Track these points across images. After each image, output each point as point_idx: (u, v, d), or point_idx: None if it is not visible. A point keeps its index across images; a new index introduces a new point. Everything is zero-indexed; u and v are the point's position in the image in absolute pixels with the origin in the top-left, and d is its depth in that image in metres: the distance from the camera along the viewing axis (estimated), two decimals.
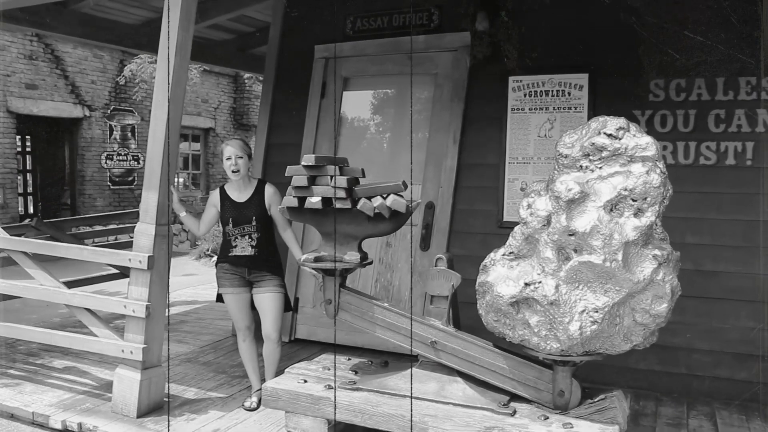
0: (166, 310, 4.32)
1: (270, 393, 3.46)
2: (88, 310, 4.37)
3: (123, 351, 4.14)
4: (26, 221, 6.23)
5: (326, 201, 3.40)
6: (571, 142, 3.11)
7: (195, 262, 11.01)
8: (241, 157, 4.16)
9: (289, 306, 4.41)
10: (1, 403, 4.32)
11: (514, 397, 3.27)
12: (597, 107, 4.97)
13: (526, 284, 3.00)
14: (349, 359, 3.92)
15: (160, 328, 4.23)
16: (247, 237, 4.18)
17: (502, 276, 3.11)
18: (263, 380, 4.40)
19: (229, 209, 4.22)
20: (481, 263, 3.26)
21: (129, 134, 12.44)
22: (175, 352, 5.52)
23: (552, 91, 5.11)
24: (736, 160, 4.66)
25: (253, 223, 4.17)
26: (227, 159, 4.18)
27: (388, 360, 3.88)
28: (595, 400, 3.18)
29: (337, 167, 3.43)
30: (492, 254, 3.24)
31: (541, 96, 5.13)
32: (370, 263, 3.53)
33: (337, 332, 5.70)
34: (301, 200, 3.43)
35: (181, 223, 4.32)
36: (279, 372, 4.42)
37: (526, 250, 3.10)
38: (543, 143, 5.12)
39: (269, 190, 4.27)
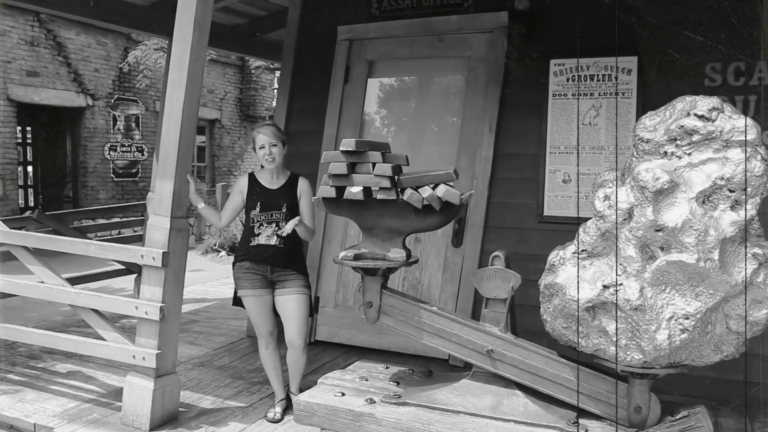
0: (181, 311, 3.94)
1: (303, 408, 3.07)
2: (95, 311, 3.98)
3: (134, 357, 3.75)
4: (27, 213, 5.83)
5: (367, 191, 3.01)
6: (653, 125, 2.72)
7: (201, 258, 10.61)
8: (275, 145, 3.80)
9: (312, 308, 4.01)
10: (0, 413, 3.93)
11: (581, 413, 2.89)
12: (647, 93, 4.58)
13: (605, 286, 2.61)
14: (387, 367, 3.54)
15: (175, 332, 3.84)
16: (274, 225, 3.78)
17: (574, 277, 2.72)
18: (287, 389, 4.02)
19: (257, 194, 3.84)
20: (548, 261, 2.88)
21: (133, 125, 12.04)
22: (187, 355, 5.14)
23: (597, 75, 4.71)
24: None
25: (284, 210, 3.79)
26: (260, 148, 3.80)
27: (431, 369, 3.50)
28: (677, 417, 2.79)
29: (380, 153, 3.05)
30: (559, 252, 2.86)
31: (585, 81, 4.73)
32: (416, 262, 3.15)
33: (360, 334, 5.33)
34: (339, 190, 3.04)
35: (196, 216, 3.91)
36: (304, 381, 4.05)
37: (602, 248, 2.72)
38: (587, 131, 4.72)
39: (303, 183, 3.92)
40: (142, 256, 3.74)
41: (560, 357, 2.92)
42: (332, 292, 5.47)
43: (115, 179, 11.67)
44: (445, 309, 5.14)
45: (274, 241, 3.77)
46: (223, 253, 10.33)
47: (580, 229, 2.85)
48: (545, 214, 4.80)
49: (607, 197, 2.67)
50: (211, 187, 13.96)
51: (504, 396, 2.95)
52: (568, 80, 4.77)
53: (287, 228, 3.59)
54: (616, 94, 4.66)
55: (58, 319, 6.21)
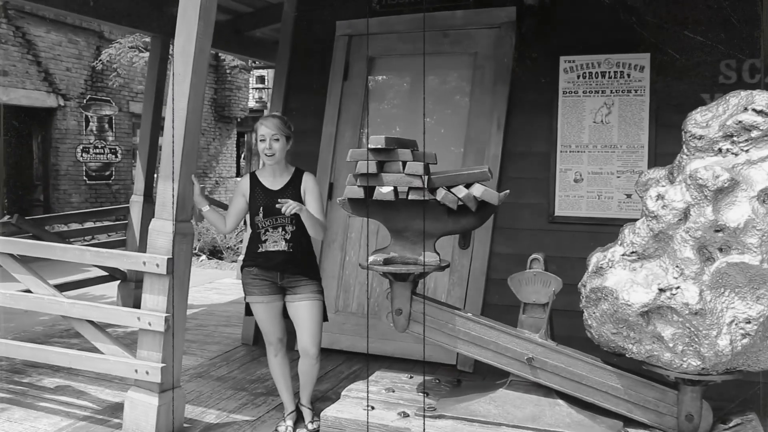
0: (186, 321, 3.70)
1: (332, 423, 2.86)
2: (91, 322, 3.71)
3: (137, 371, 3.50)
4: (6, 218, 5.49)
5: (396, 192, 2.82)
6: (705, 121, 2.58)
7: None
8: (277, 139, 3.54)
9: (326, 314, 3.78)
10: None
11: (628, 422, 2.74)
12: (660, 90, 4.48)
13: (661, 290, 2.47)
14: (411, 377, 3.35)
15: (180, 344, 3.61)
16: (279, 229, 3.54)
17: (625, 280, 2.58)
18: (297, 400, 3.81)
19: (259, 197, 3.59)
20: (593, 264, 2.73)
21: (106, 126, 11.62)
22: (183, 366, 4.87)
23: (609, 72, 4.59)
24: None
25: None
26: (261, 140, 3.54)
27: (459, 378, 3.32)
28: (730, 426, 2.66)
29: (409, 151, 2.86)
30: (605, 254, 2.71)
31: (596, 78, 4.61)
32: (447, 266, 2.96)
33: (362, 340, 5.13)
34: (366, 191, 2.85)
35: (200, 220, 3.62)
36: (316, 391, 3.84)
37: (653, 249, 2.57)
38: (599, 130, 4.61)
39: (308, 178, 3.66)
40: (144, 263, 3.49)
41: (606, 364, 2.76)
42: (332, 297, 5.26)
43: (87, 182, 11.25)
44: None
45: (281, 246, 3.53)
46: (204, 257, 10.02)
47: (627, 230, 2.70)
48: (556, 214, 4.67)
49: (660, 197, 2.53)
50: None
51: (546, 406, 2.79)
52: (578, 77, 4.65)
53: (288, 206, 3.32)
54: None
55: (39, 330, 5.88)
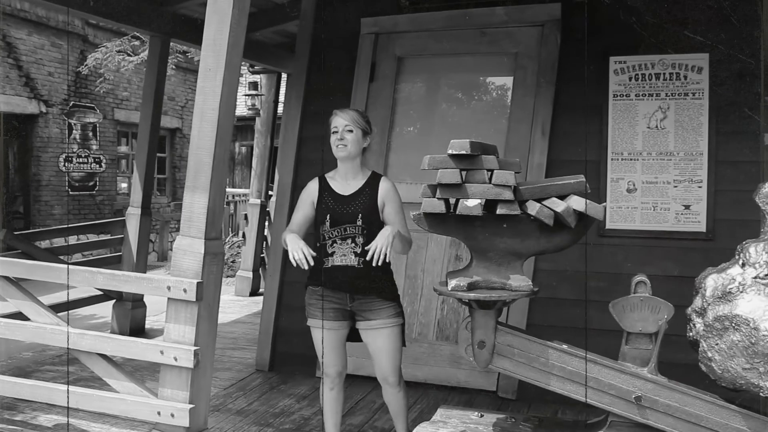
0: (214, 354, 3.23)
1: None
2: (103, 356, 3.22)
3: (159, 414, 3.02)
4: None
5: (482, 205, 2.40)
6: None
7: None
8: (351, 131, 3.08)
9: (404, 339, 3.25)
10: None
11: None
12: (721, 94, 4.14)
13: None
14: (481, 415, 2.91)
15: (208, 380, 3.13)
16: (349, 241, 3.05)
17: (761, 307, 2.18)
18: None
19: (328, 202, 3.11)
20: (711, 287, 2.33)
21: (90, 134, 11.03)
22: None
23: (664, 73, 4.24)
24: None
25: (358, 223, 3.04)
26: (333, 132, 3.10)
27: (534, 415, 2.89)
28: None
29: (495, 158, 2.45)
30: (729, 275, 2.32)
31: (650, 80, 4.26)
32: (537, 292, 2.54)
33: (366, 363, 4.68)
34: (446, 204, 2.43)
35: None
36: (350, 426, 3.40)
37: None
38: (654, 136, 4.24)
39: (385, 184, 3.16)
40: (169, 288, 3.02)
41: (728, 403, 2.37)
42: None
43: (71, 193, 10.65)
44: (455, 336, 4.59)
45: (351, 261, 3.04)
46: None
47: (753, 248, 2.31)
48: (608, 227, 4.29)
49: None
50: (171, 199, 13.03)
51: None
52: (630, 79, 4.29)
53: (376, 251, 2.86)
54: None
55: (28, 356, 5.34)
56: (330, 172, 3.23)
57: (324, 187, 3.17)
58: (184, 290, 2.99)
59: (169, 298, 3.06)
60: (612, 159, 4.30)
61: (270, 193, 7.80)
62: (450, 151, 2.41)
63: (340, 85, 4.90)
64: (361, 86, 4.82)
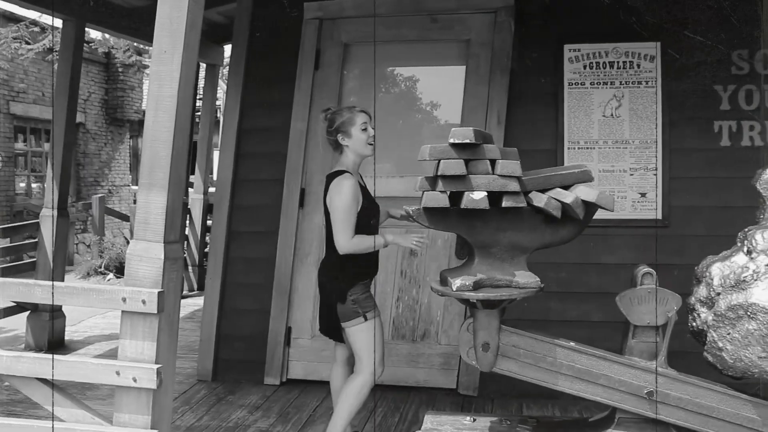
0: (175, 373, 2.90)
1: None
2: (43, 380, 2.82)
3: None
4: None
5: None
6: None
7: (83, 282, 9.04)
8: (372, 128, 3.16)
9: None
10: None
11: None
12: (671, 81, 4.18)
13: None
14: (474, 420, 2.76)
15: (170, 401, 2.81)
16: (376, 232, 3.20)
17: None
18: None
19: (368, 197, 3.19)
20: (719, 276, 2.28)
21: None
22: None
23: (617, 62, 4.23)
24: None
25: (377, 216, 3.24)
26: (363, 130, 3.10)
27: (531, 416, 2.77)
28: None
29: (496, 147, 2.29)
30: (736, 263, 2.27)
31: (604, 68, 4.24)
32: (543, 288, 2.41)
33: (319, 367, 4.47)
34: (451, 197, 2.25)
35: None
36: None
37: None
38: (609, 124, 4.24)
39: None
40: (124, 300, 2.67)
41: (739, 392, 2.33)
42: (308, 320, 4.57)
43: None
44: (450, 333, 4.46)
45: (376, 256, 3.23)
46: (111, 275, 8.86)
47: (760, 235, 2.27)
48: None
49: None
50: (75, 200, 12.16)
51: None
52: (585, 67, 4.26)
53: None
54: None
55: None
56: (344, 170, 3.16)
57: (359, 183, 3.16)
58: (143, 301, 2.65)
59: (123, 311, 2.71)
60: (568, 148, 4.26)
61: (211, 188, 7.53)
62: (452, 140, 2.23)
63: (282, 74, 4.61)
64: (305, 75, 4.56)
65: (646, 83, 4.19)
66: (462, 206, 2.20)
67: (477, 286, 2.28)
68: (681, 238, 4.10)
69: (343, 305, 3.08)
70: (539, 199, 2.25)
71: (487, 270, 2.33)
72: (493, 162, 2.26)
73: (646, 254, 4.16)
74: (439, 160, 2.22)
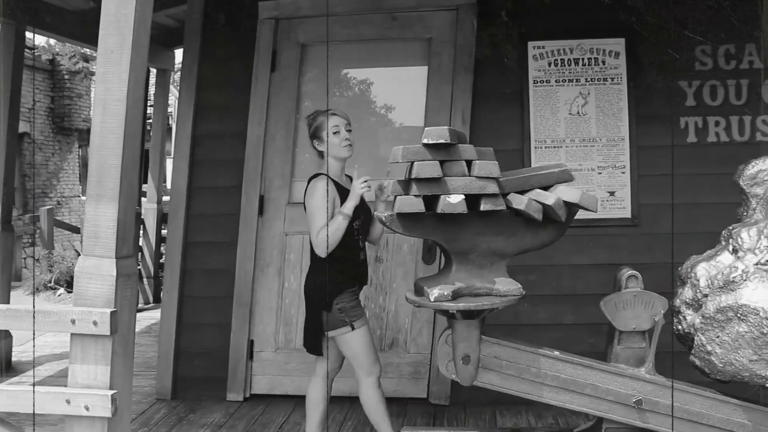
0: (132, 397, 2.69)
1: None
2: None
3: None
4: None
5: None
6: None
7: (31, 299, 8.64)
8: (350, 130, 3.10)
9: None
10: None
11: None
12: (637, 77, 4.13)
13: None
14: None
15: (127, 429, 2.60)
16: (359, 234, 3.12)
17: None
18: None
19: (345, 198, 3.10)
20: (706, 277, 2.19)
21: None
22: None
23: (582, 59, 4.17)
24: None
25: (361, 218, 3.12)
26: (334, 132, 3.03)
27: (515, 428, 2.65)
28: None
29: (472, 147, 2.17)
30: (722, 263, 2.19)
31: (569, 65, 4.17)
32: (524, 294, 2.29)
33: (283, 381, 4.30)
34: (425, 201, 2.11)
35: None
36: None
37: None
38: (576, 122, 4.17)
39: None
40: (74, 322, 2.46)
41: (729, 397, 2.25)
42: (271, 332, 4.39)
43: None
44: (419, 341, 4.32)
45: (365, 253, 3.17)
46: (62, 290, 8.47)
47: (746, 233, 2.19)
48: None
49: None
50: (22, 213, 11.67)
51: None
52: (550, 65, 4.18)
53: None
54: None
55: None
56: (324, 173, 3.07)
57: (336, 185, 3.06)
58: (94, 323, 2.44)
59: (73, 334, 2.49)
60: (535, 147, 4.18)
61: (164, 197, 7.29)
62: (425, 140, 2.09)
63: (237, 77, 4.42)
64: (261, 77, 4.37)
65: (612, 80, 4.14)
66: (438, 211, 2.06)
67: (456, 295, 2.15)
68: (651, 236, 4.05)
69: (329, 314, 2.99)
70: (519, 202, 2.13)
71: (466, 278, 2.20)
72: (469, 163, 2.14)
73: (616, 254, 4.10)
74: (413, 162, 2.08)
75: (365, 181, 2.89)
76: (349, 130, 3.06)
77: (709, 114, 4.10)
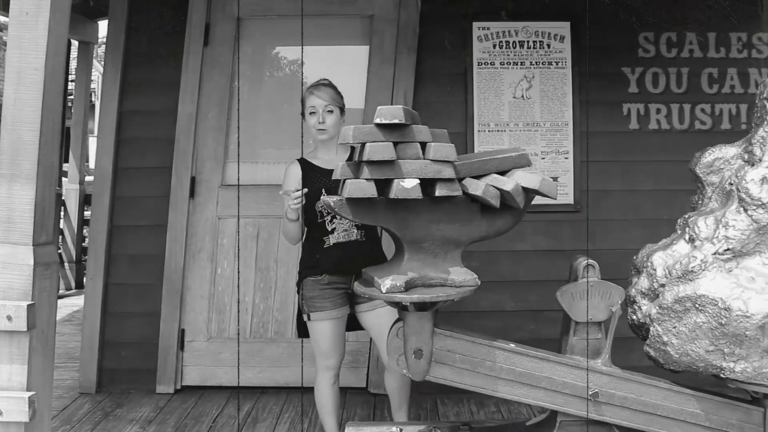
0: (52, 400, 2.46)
1: None
2: None
3: None
4: None
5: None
6: None
7: None
8: (331, 111, 2.89)
9: None
10: None
11: None
12: (582, 62, 4.11)
13: None
14: (400, 429, 2.51)
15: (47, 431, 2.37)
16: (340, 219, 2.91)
17: (730, 286, 2.04)
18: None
19: (318, 179, 2.87)
20: (663, 266, 2.15)
21: None
22: None
23: (528, 41, 4.11)
24: (732, 124, 4.14)
25: None
26: (311, 113, 2.89)
27: (464, 422, 2.56)
28: None
29: (427, 128, 2.04)
30: (679, 252, 2.16)
31: (514, 47, 4.10)
32: (480, 285, 2.19)
33: (247, 370, 4.16)
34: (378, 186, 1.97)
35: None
36: None
37: (753, 245, 2.07)
38: (520, 106, 4.10)
39: None
40: None
41: (683, 387, 2.22)
42: (203, 321, 4.18)
43: None
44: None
45: (354, 234, 2.87)
46: None
47: (703, 222, 2.16)
48: None
49: (766, 179, 2.02)
50: None
51: None
52: (494, 47, 4.10)
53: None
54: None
55: None
56: (309, 155, 3.00)
57: (308, 167, 2.93)
58: (8, 317, 2.19)
59: None
60: (479, 131, 4.10)
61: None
62: (378, 120, 1.95)
63: (167, 51, 4.15)
64: (193, 52, 4.11)
65: (557, 64, 4.09)
66: (391, 196, 1.93)
67: (409, 286, 2.02)
68: (593, 223, 4.04)
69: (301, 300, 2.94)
70: (475, 187, 2.02)
71: (419, 267, 2.07)
72: (423, 145, 2.01)
73: (558, 240, 4.09)
74: (364, 144, 1.93)
75: (297, 198, 2.72)
76: (329, 111, 2.87)
77: (651, 101, 4.12)
